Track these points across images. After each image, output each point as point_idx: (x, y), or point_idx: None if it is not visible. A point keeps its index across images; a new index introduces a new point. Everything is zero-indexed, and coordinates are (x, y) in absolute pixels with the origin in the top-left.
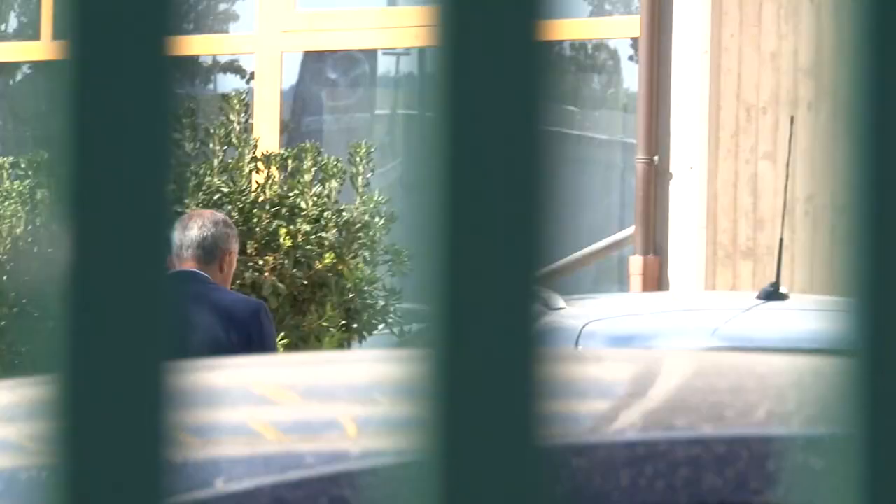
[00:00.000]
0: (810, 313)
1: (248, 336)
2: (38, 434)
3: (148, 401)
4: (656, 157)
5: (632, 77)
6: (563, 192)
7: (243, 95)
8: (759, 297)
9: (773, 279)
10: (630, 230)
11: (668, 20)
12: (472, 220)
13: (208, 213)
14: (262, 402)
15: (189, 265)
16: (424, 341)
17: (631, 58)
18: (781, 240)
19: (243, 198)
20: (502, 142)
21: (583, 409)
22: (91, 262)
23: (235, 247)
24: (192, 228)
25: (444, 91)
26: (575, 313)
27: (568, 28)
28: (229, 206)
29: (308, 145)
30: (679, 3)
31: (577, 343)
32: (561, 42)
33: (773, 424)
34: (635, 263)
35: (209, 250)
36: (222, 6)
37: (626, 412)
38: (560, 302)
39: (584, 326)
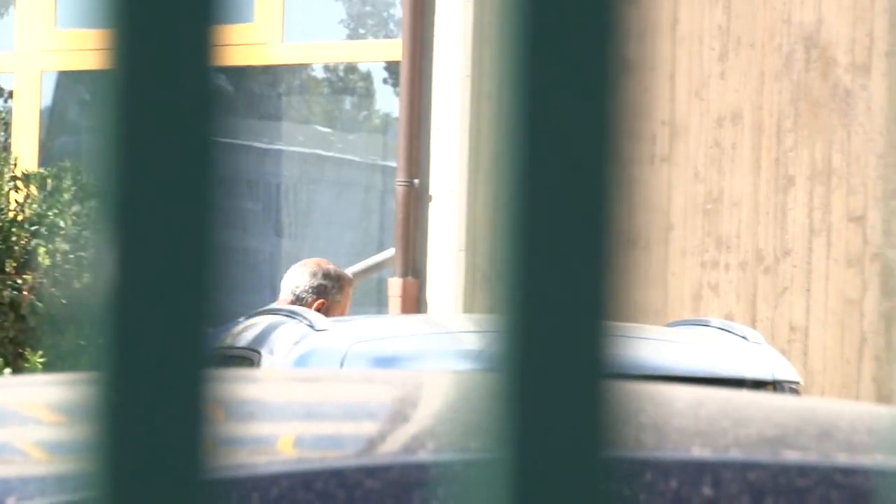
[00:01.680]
0: None
1: None
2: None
3: None
4: (416, 180)
5: (385, 100)
6: (318, 212)
7: (2, 115)
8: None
9: None
10: (390, 252)
11: (429, 44)
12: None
13: None
14: (32, 422)
15: None
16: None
17: (385, 81)
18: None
19: (2, 216)
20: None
21: (363, 430)
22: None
23: None
24: None
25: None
26: (339, 334)
27: (322, 51)
28: None
29: (68, 164)
30: (440, 27)
31: (342, 364)
32: (312, 65)
33: None
34: (394, 285)
35: None
36: None
37: (415, 436)
38: (324, 323)
39: (349, 347)
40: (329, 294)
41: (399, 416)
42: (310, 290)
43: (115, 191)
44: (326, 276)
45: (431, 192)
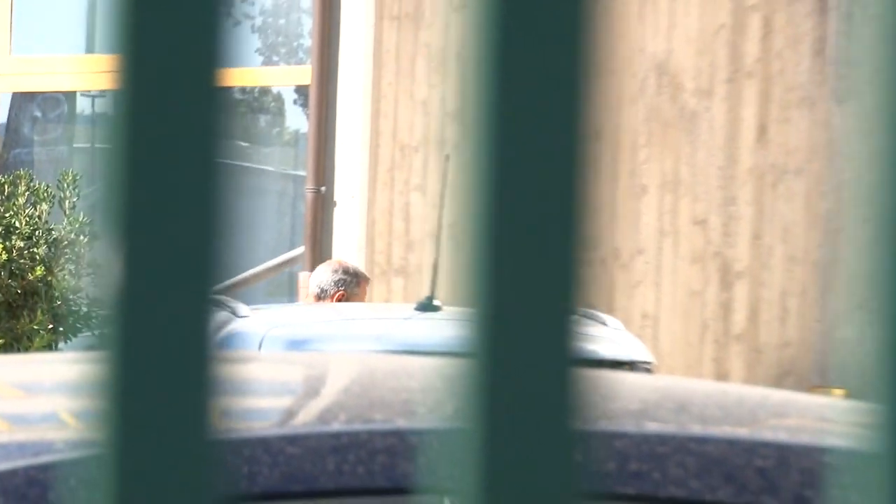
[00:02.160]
0: (461, 323)
1: None
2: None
3: None
4: (323, 188)
5: (295, 118)
6: (238, 218)
7: None
8: (416, 309)
9: (429, 293)
10: (300, 250)
11: (334, 70)
12: (154, 241)
13: None
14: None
15: None
16: (106, 343)
17: (295, 101)
18: (437, 259)
19: None
20: (185, 174)
21: (286, 405)
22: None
23: None
24: None
25: (125, 129)
26: (258, 321)
27: (240, 75)
28: None
29: (22, 173)
30: (344, 56)
31: (260, 346)
32: (232, 88)
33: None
34: (304, 279)
35: None
36: None
37: (328, 408)
38: (245, 310)
39: (267, 332)
40: (348, 287)
41: (312, 391)
42: (332, 284)
43: (119, 202)
44: (345, 272)
45: (336, 198)
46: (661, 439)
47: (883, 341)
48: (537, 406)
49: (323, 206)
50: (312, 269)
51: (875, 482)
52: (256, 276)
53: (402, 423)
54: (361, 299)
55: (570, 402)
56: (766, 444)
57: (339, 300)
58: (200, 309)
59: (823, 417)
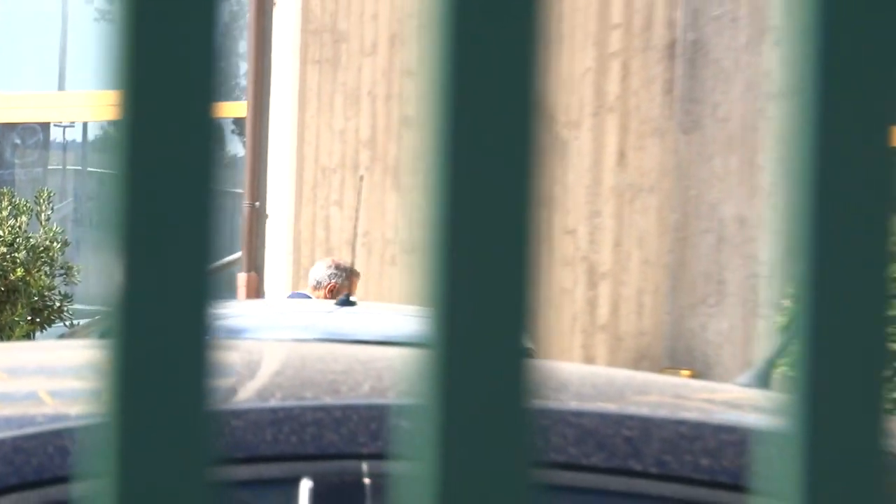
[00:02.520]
0: (374, 316)
1: None
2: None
3: None
4: (258, 203)
5: (232, 145)
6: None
7: None
8: (337, 304)
9: (346, 292)
10: (238, 255)
11: (266, 105)
12: (146, 253)
13: None
14: None
15: None
16: (104, 331)
17: (233, 131)
18: (353, 263)
19: None
20: (177, 198)
21: (225, 384)
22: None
23: None
24: None
25: (126, 157)
26: None
27: None
28: None
29: (5, 190)
30: (274, 93)
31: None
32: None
33: (374, 396)
34: (241, 279)
35: None
36: None
37: (265, 387)
38: None
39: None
40: (339, 280)
41: (251, 373)
42: (325, 277)
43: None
44: (337, 268)
45: (268, 211)
46: (545, 413)
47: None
48: (489, 388)
49: (257, 218)
50: (248, 270)
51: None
52: None
53: (328, 399)
54: (352, 291)
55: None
56: (631, 417)
57: (331, 290)
58: (198, 306)
59: (676, 394)
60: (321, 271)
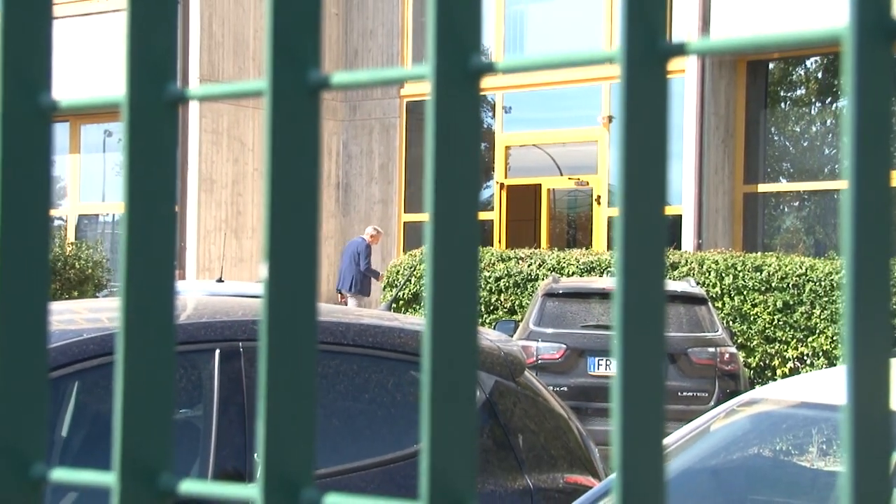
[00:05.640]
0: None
1: None
2: None
3: None
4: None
5: None
6: None
7: None
8: (217, 281)
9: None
10: None
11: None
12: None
13: None
14: None
15: None
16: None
17: None
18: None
19: None
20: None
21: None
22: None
23: None
24: None
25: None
26: None
27: None
28: None
29: None
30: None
31: None
32: None
33: (242, 315)
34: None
35: None
36: None
37: (193, 313)
38: None
39: None
40: (376, 235)
41: (184, 309)
42: (372, 230)
43: None
44: (374, 229)
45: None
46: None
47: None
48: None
49: None
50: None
51: None
52: None
53: (221, 317)
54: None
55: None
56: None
57: (372, 238)
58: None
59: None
60: (368, 229)
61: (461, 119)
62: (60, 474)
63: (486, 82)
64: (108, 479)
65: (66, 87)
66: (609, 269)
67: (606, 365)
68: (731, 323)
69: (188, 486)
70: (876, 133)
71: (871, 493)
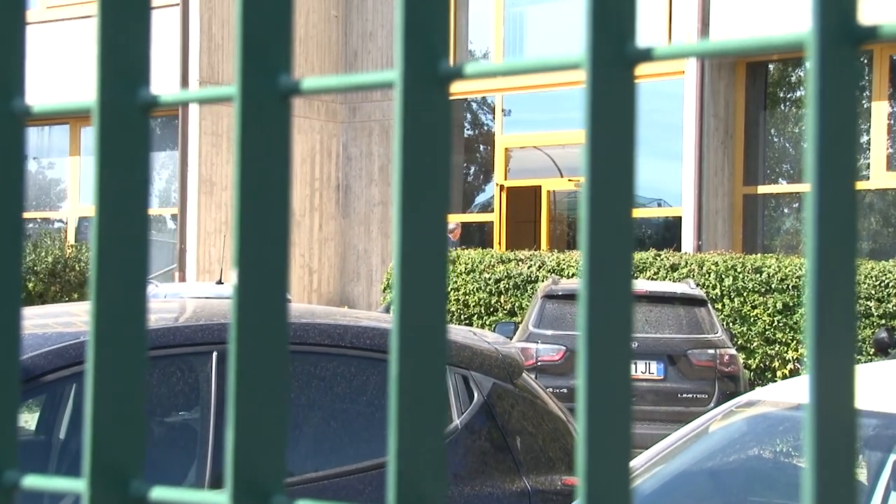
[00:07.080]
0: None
1: None
2: None
3: None
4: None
5: None
6: None
7: None
8: (217, 283)
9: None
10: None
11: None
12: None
13: None
14: None
15: None
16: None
17: None
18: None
19: None
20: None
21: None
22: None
23: None
24: None
25: None
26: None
27: None
28: None
29: None
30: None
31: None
32: None
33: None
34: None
35: None
36: None
37: (191, 315)
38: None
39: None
40: (454, 230)
41: (183, 311)
42: (453, 224)
43: None
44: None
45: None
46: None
47: None
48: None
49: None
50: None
51: None
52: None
53: (209, 321)
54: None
55: None
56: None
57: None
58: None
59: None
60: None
61: (429, 124)
62: (32, 481)
63: (486, 84)
64: (78, 485)
65: (63, 91)
66: None
67: None
68: (731, 324)
69: (159, 493)
70: (840, 141)
71: (836, 496)
